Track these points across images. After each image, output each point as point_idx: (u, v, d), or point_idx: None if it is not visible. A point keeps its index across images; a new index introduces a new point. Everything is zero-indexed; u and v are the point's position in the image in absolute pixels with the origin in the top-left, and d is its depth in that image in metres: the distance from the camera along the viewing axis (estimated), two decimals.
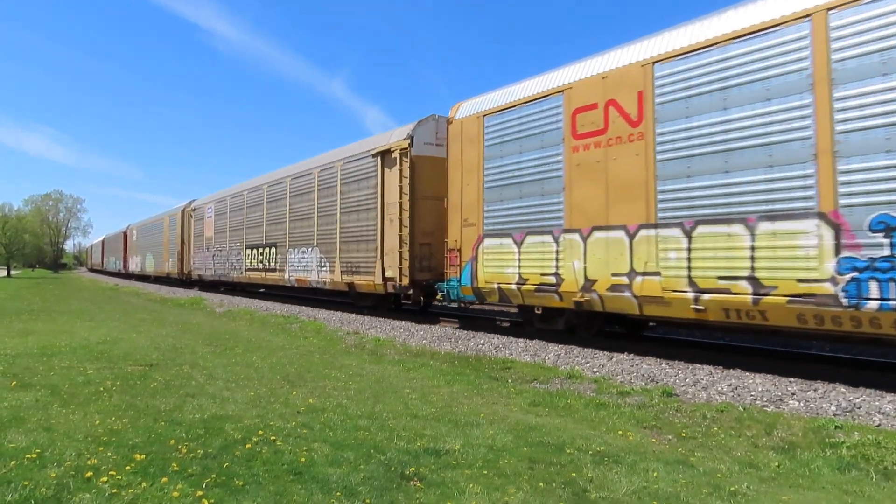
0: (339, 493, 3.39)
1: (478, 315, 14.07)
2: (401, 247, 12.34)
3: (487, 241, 10.06)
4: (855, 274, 5.79)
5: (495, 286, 9.86)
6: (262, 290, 24.26)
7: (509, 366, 7.91)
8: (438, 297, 12.28)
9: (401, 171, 12.46)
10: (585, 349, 8.80)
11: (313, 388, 6.37)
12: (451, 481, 3.62)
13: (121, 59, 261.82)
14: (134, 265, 41.97)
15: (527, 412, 5.69)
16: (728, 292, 6.76)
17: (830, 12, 6.05)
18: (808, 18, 6.23)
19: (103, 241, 62.00)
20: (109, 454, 3.93)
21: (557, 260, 8.80)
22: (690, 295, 7.12)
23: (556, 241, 8.81)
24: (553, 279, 8.82)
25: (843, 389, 6.02)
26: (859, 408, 5.48)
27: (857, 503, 3.61)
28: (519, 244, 9.46)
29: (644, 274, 7.64)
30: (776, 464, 4.29)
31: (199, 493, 3.32)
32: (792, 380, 6.49)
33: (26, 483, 3.40)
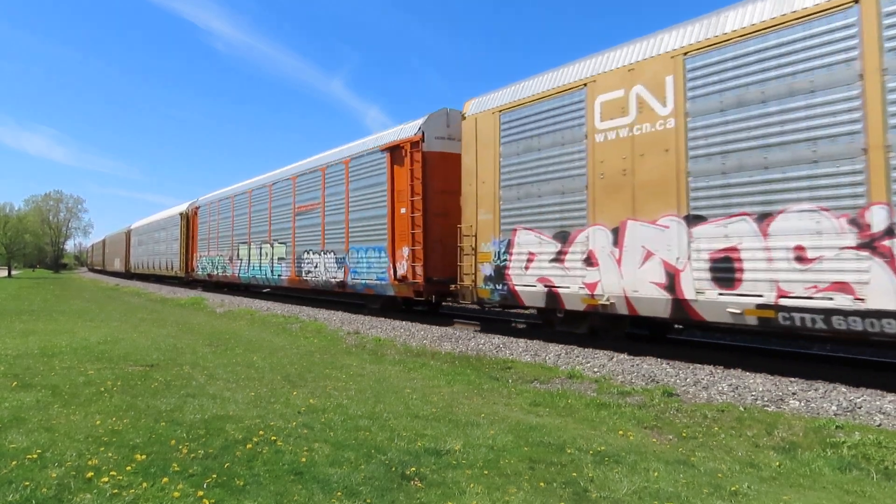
0: (339, 493, 3.39)
1: None
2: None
3: None
4: None
5: None
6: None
7: (510, 366, 7.91)
8: None
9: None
10: (586, 349, 8.80)
11: (314, 388, 6.37)
12: (452, 481, 3.62)
13: (121, 58, 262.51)
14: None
15: (527, 412, 5.69)
16: None
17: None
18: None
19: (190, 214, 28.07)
20: (110, 454, 3.93)
21: None
22: None
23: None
24: None
25: (843, 389, 6.02)
26: (860, 407, 5.48)
27: (858, 503, 3.61)
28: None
29: None
30: (777, 463, 4.29)
31: (200, 493, 3.32)
32: (792, 379, 6.49)
33: (27, 483, 3.40)
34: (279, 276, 18.14)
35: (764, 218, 6.54)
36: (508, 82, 10.39)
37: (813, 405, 5.63)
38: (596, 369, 7.58)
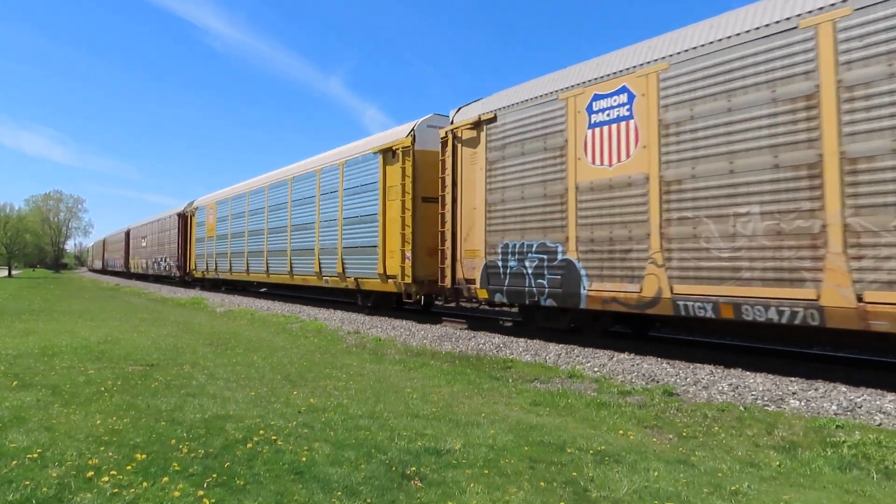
0: (340, 493, 3.39)
1: None
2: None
3: None
4: None
5: None
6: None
7: (510, 365, 7.91)
8: None
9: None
10: (586, 349, 8.80)
11: (314, 387, 6.37)
12: (452, 481, 3.62)
13: (119, 58, 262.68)
14: None
15: (528, 412, 5.69)
16: None
17: None
18: None
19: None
20: (110, 454, 3.93)
21: None
22: None
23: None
24: None
25: (843, 389, 6.02)
26: (860, 407, 5.48)
27: (858, 502, 3.61)
28: None
29: None
30: (777, 463, 4.29)
31: (201, 492, 3.32)
32: (793, 379, 6.49)
33: (27, 483, 3.40)
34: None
35: None
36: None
37: (813, 405, 5.63)
38: (596, 369, 7.59)
